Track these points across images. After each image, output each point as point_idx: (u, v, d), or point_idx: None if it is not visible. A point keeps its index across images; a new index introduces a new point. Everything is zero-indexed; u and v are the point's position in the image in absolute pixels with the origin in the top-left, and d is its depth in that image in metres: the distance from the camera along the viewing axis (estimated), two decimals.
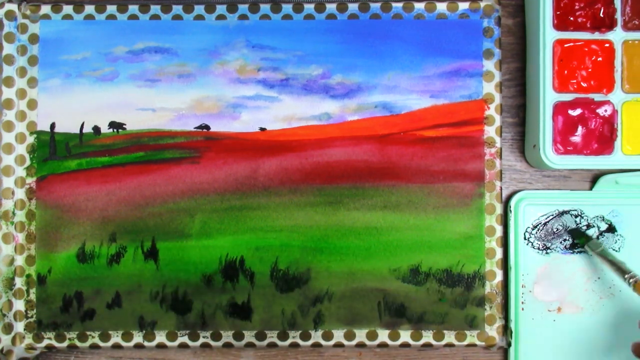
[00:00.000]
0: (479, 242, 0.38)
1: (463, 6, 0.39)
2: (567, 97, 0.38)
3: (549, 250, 0.39)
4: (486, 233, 0.39)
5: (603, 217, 0.40)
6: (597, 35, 0.38)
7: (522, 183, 0.40)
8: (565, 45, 0.38)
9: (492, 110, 0.39)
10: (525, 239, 0.39)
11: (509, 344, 0.38)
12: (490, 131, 0.39)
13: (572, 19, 0.37)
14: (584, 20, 0.38)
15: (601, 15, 0.38)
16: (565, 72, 0.38)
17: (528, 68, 0.40)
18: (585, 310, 0.39)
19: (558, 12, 0.38)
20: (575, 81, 0.38)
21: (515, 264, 0.39)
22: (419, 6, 0.39)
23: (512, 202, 0.39)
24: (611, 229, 0.40)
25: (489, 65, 0.39)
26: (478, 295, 0.38)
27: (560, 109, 0.37)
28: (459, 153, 0.39)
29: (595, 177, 0.40)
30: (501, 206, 0.39)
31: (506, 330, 0.39)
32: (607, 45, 0.38)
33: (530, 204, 0.39)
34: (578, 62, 0.38)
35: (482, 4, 0.39)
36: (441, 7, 0.39)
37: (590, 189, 0.40)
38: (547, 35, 0.37)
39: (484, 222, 0.39)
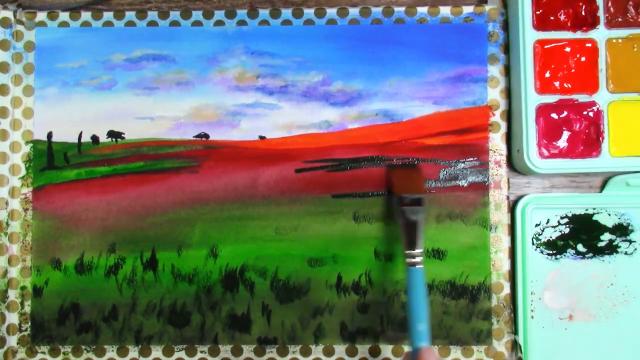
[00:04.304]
0: (483, 253, 0.43)
1: (467, 10, 0.44)
2: (550, 99, 0.41)
3: (558, 256, 0.43)
4: (492, 244, 0.43)
5: (614, 221, 0.43)
6: (579, 35, 0.41)
7: (528, 187, 0.44)
8: (547, 46, 0.41)
9: (497, 117, 0.43)
10: (533, 244, 0.43)
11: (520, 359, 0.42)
12: (495, 138, 0.43)
13: (552, 18, 0.41)
14: (565, 19, 0.41)
15: (583, 13, 0.41)
16: (547, 73, 0.41)
17: (511, 71, 0.43)
18: (598, 318, 0.42)
19: (538, 12, 0.41)
20: (558, 82, 0.41)
21: (523, 270, 0.42)
22: (422, 10, 0.43)
23: (519, 207, 0.42)
24: (623, 232, 0.43)
25: (494, 70, 0.43)
26: (484, 308, 0.42)
27: (543, 111, 0.41)
28: (463, 161, 0.43)
29: (605, 179, 0.43)
30: (507, 215, 0.43)
31: (515, 345, 0.42)
32: (589, 44, 0.41)
33: (538, 207, 0.42)
34: (560, 63, 0.41)
35: (487, 8, 0.44)
36: (445, 10, 0.44)
37: (600, 191, 0.43)
38: (527, 36, 0.41)
39: (488, 233, 0.43)
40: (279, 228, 0.43)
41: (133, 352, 0.43)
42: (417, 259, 0.39)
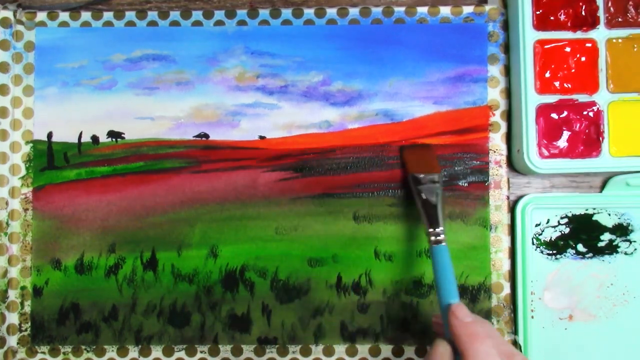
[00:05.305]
0: (483, 253, 0.43)
1: (467, 10, 0.44)
2: (551, 99, 0.42)
3: (558, 256, 0.43)
4: (492, 244, 0.43)
5: (614, 221, 0.43)
6: (579, 35, 0.42)
7: (528, 187, 0.45)
8: (547, 46, 0.42)
9: (497, 117, 0.44)
10: (533, 244, 0.43)
11: None
12: (495, 138, 0.44)
13: (552, 18, 0.42)
14: (565, 19, 0.42)
15: (583, 13, 0.42)
16: (548, 73, 0.42)
17: (511, 71, 0.44)
18: (598, 318, 0.43)
19: (538, 12, 0.42)
20: (558, 82, 0.42)
21: (523, 270, 0.42)
22: (422, 10, 0.44)
23: (519, 206, 0.43)
24: (623, 232, 0.43)
25: (494, 70, 0.44)
26: (484, 308, 0.43)
27: (543, 111, 0.42)
28: (463, 161, 0.44)
29: (605, 179, 0.44)
30: (507, 215, 0.43)
31: (515, 345, 0.43)
32: (590, 44, 0.42)
33: (538, 207, 0.43)
34: (560, 63, 0.42)
35: (487, 8, 0.44)
36: (445, 10, 0.44)
37: (600, 191, 0.44)
38: (527, 36, 0.41)
39: (488, 233, 0.43)
40: (279, 228, 0.43)
41: (133, 352, 0.44)
42: (440, 237, 0.39)
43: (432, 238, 0.39)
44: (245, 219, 0.43)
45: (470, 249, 0.43)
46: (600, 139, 0.42)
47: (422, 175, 0.41)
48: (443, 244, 0.39)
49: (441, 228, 0.39)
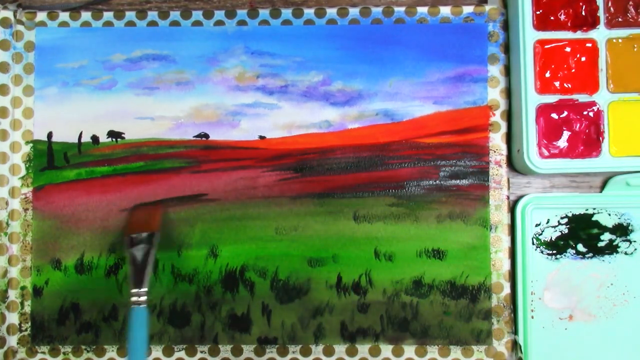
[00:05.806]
0: (483, 253, 0.43)
1: (467, 10, 0.44)
2: (551, 99, 0.42)
3: (558, 256, 0.44)
4: (492, 244, 0.43)
5: (614, 221, 0.43)
6: (579, 34, 0.42)
7: (528, 187, 0.45)
8: (547, 46, 0.42)
9: (497, 117, 0.44)
10: (533, 244, 0.44)
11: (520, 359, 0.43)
12: (495, 138, 0.44)
13: (552, 18, 0.42)
14: (566, 19, 0.42)
15: (583, 13, 0.42)
16: (548, 73, 0.42)
17: (511, 71, 0.44)
18: (598, 318, 0.43)
19: (538, 12, 0.42)
20: (558, 82, 0.42)
21: (523, 270, 0.42)
22: (422, 10, 0.44)
23: (519, 206, 0.43)
24: (623, 232, 0.44)
25: (494, 70, 0.44)
26: (484, 308, 0.43)
27: (543, 111, 0.42)
28: (463, 161, 0.44)
29: (605, 179, 0.44)
30: (507, 215, 0.43)
31: (515, 345, 0.43)
32: (590, 44, 0.42)
33: (538, 207, 0.43)
34: (561, 63, 0.42)
35: (487, 8, 0.44)
36: (445, 10, 0.44)
37: (600, 191, 0.44)
38: (527, 36, 0.41)
39: (488, 233, 0.43)
40: (279, 228, 0.43)
41: None
42: (142, 299, 0.39)
43: (134, 299, 0.39)
44: (245, 219, 0.43)
45: (470, 249, 0.43)
46: (600, 139, 0.42)
47: (135, 236, 0.41)
48: (143, 305, 0.39)
49: (145, 289, 0.40)
